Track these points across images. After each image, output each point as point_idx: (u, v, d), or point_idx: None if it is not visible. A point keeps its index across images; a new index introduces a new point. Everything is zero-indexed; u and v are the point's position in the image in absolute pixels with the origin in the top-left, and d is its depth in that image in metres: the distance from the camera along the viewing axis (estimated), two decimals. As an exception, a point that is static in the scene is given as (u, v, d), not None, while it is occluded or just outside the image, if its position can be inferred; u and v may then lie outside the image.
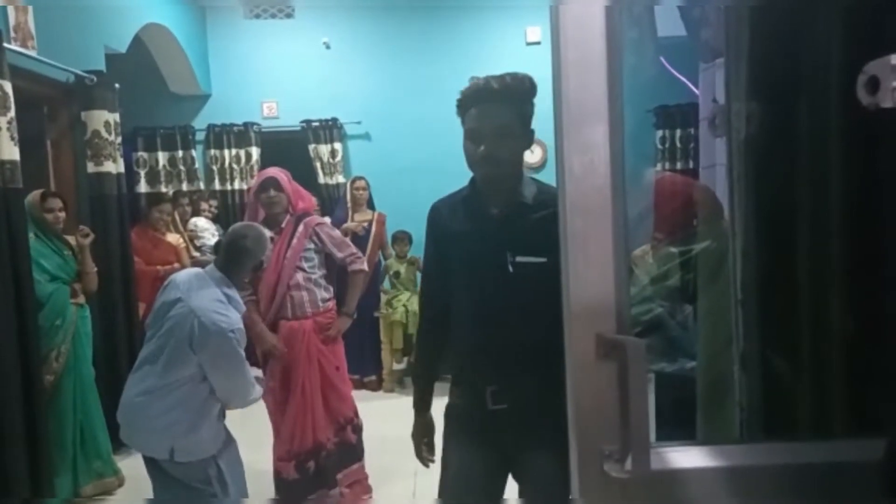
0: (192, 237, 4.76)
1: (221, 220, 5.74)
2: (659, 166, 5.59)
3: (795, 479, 0.87)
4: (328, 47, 6.16)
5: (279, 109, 6.20)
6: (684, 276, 1.84)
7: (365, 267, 3.24)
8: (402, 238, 5.38)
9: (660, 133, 5.78)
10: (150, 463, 2.31)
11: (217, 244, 2.63)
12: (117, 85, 4.15)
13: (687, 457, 0.87)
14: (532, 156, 6.15)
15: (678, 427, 1.84)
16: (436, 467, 2.14)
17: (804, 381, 1.01)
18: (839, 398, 1.00)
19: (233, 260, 2.42)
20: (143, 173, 5.93)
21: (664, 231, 2.32)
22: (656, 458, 0.86)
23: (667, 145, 5.75)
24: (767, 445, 0.90)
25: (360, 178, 5.47)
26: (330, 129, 6.07)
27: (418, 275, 5.42)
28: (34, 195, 3.28)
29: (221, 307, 2.26)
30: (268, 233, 2.64)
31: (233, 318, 2.26)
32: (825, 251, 0.97)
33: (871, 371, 0.94)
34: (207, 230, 4.94)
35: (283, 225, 3.00)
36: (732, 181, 1.04)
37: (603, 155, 0.85)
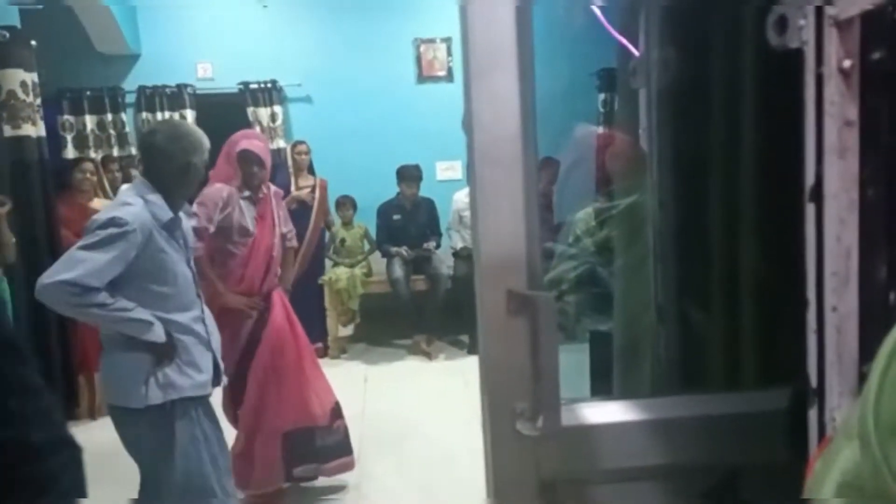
0: (123, 204, 4.55)
1: (156, 187, 5.50)
2: (601, 128, 5.61)
3: (707, 430, 0.87)
4: (265, 6, 5.91)
5: (214, 71, 5.94)
6: (612, 231, 1.84)
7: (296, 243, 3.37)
8: (346, 203, 5.29)
9: (602, 96, 5.79)
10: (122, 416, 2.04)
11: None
12: (34, 42, 3.89)
13: (599, 412, 0.86)
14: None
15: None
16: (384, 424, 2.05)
17: (721, 334, 1.01)
18: (755, 349, 1.00)
19: (148, 163, 2.09)
20: (69, 138, 5.62)
21: (605, 187, 2.32)
22: (569, 415, 0.85)
23: (608, 108, 5.77)
24: (679, 398, 0.89)
25: (302, 142, 5.34)
26: (269, 92, 5.86)
27: (365, 242, 5.36)
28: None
29: (125, 202, 1.99)
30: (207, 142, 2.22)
31: (128, 211, 1.94)
32: (740, 202, 0.96)
33: (782, 321, 0.94)
34: (139, 197, 4.73)
35: (262, 195, 2.94)
36: (651, 131, 1.02)
37: (513, 103, 0.81)
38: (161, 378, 2.00)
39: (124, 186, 2.21)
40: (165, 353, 2.01)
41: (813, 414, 0.66)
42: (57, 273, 1.84)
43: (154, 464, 2.07)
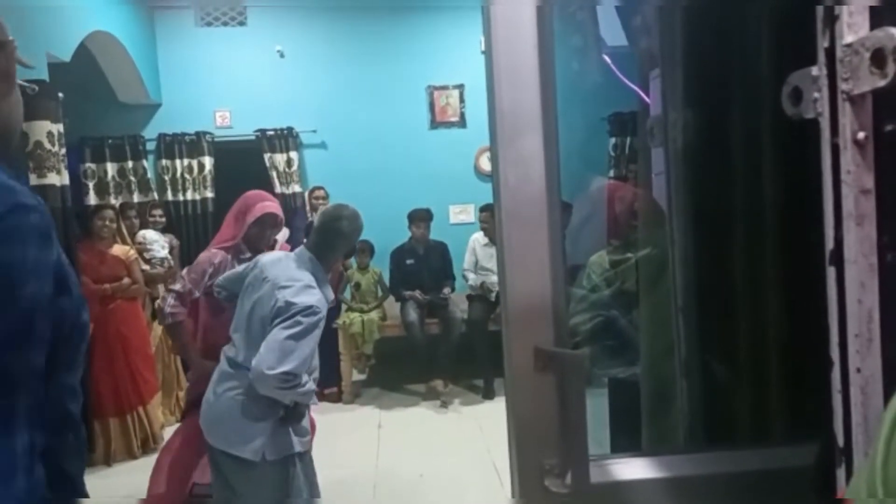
0: (141, 250, 4.62)
1: (175, 232, 5.60)
2: (612, 173, 5.67)
3: (735, 487, 0.87)
4: (282, 55, 6.09)
5: (232, 118, 6.10)
6: (632, 281, 1.85)
7: None
8: (363, 248, 5.34)
9: (613, 140, 5.87)
10: (238, 466, 2.17)
11: (308, 226, 2.54)
12: (61, 94, 4.02)
13: (628, 468, 0.87)
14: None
15: (633, 434, 1.85)
16: (398, 471, 2.08)
17: (744, 387, 1.02)
18: (779, 403, 1.01)
19: (326, 243, 2.30)
20: (91, 185, 5.76)
21: (618, 236, 2.35)
22: (598, 471, 0.86)
23: (618, 152, 5.84)
24: (707, 455, 0.90)
25: (320, 187, 5.45)
26: (285, 138, 6.00)
27: (378, 288, 5.39)
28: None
29: (309, 285, 2.16)
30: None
31: (318, 297, 2.16)
32: (761, 257, 0.98)
33: (807, 375, 0.95)
34: (157, 242, 4.81)
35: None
36: (671, 189, 1.05)
37: (538, 166, 0.85)
38: (283, 435, 2.19)
39: (293, 256, 2.32)
40: (298, 415, 2.22)
41: (841, 473, 0.67)
42: (277, 364, 2.02)
43: None
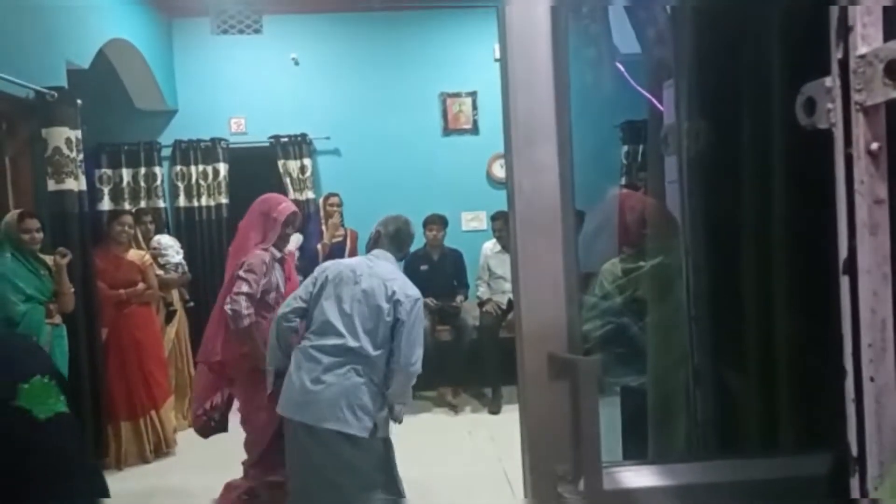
0: (156, 255, 4.66)
1: (188, 238, 5.65)
2: (624, 180, 5.65)
3: (747, 495, 0.87)
4: (297, 63, 6.14)
5: (247, 125, 6.14)
6: (644, 289, 1.85)
7: None
8: (374, 254, 5.36)
9: (625, 148, 5.85)
10: (350, 442, 2.40)
11: (377, 234, 2.72)
12: (79, 101, 4.08)
13: (640, 476, 0.87)
14: (503, 170, 6.19)
15: (646, 443, 1.84)
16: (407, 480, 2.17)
17: (756, 396, 1.02)
18: (791, 412, 1.01)
19: (399, 245, 2.68)
20: (106, 190, 5.82)
21: (630, 244, 2.34)
22: (610, 478, 0.86)
23: (630, 160, 5.83)
24: (718, 463, 0.90)
25: (334, 194, 5.48)
26: (299, 145, 6.04)
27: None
28: (12, 215, 3.25)
29: (405, 278, 2.56)
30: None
31: (416, 289, 2.54)
32: (774, 267, 0.98)
33: (819, 384, 0.95)
34: (171, 247, 4.85)
35: (286, 256, 3.08)
36: (684, 197, 1.05)
37: (552, 175, 0.86)
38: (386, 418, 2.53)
39: (374, 256, 2.65)
40: None
41: (854, 482, 0.67)
42: (419, 356, 2.46)
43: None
